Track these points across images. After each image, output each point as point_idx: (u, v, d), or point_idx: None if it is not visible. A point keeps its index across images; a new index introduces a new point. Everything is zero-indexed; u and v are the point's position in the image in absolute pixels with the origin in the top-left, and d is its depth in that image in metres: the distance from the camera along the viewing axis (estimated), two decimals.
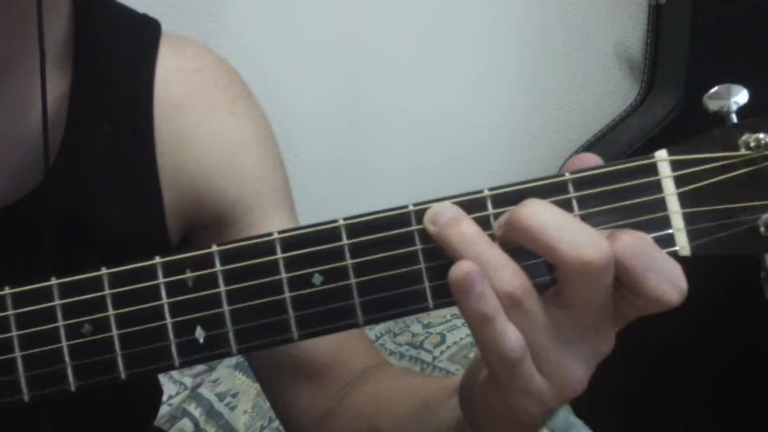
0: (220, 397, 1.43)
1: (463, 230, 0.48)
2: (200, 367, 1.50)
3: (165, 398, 1.39)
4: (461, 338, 1.48)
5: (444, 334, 1.52)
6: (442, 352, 1.48)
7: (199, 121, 0.76)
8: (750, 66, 1.56)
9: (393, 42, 1.74)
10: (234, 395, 1.42)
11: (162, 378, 1.41)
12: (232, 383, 1.45)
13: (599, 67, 1.83)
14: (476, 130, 1.81)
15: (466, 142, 1.81)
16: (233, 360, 1.48)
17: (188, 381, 1.47)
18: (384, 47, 1.74)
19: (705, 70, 1.59)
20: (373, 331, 1.56)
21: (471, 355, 1.40)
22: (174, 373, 1.47)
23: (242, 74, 0.82)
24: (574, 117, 1.84)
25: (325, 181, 1.75)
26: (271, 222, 0.77)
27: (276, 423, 1.33)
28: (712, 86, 0.52)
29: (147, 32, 0.77)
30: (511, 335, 0.47)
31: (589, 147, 1.78)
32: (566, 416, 1.31)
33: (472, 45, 1.78)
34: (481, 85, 1.80)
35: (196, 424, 1.37)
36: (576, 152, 1.77)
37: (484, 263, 0.47)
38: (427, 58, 1.76)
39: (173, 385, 1.45)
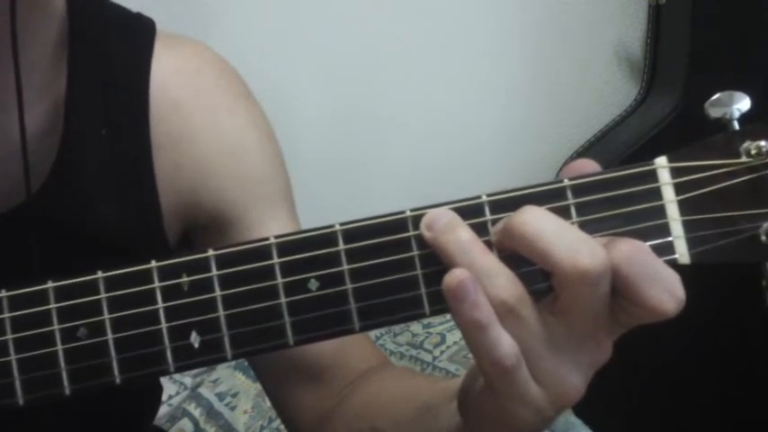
0: (220, 397, 1.43)
1: (458, 237, 0.48)
2: (200, 368, 1.49)
3: (165, 398, 1.39)
4: (461, 338, 1.47)
5: (444, 334, 1.53)
6: (442, 352, 1.48)
7: (199, 122, 0.75)
8: (750, 66, 1.55)
9: (393, 42, 1.74)
10: (234, 395, 1.43)
11: (162, 378, 1.41)
12: (232, 383, 1.45)
13: (599, 68, 1.83)
14: (476, 130, 1.81)
15: (466, 142, 1.80)
16: (233, 361, 1.47)
17: (188, 381, 1.47)
18: (384, 47, 1.73)
19: (705, 70, 1.58)
20: (373, 331, 1.55)
21: (471, 356, 1.40)
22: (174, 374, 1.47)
23: (242, 74, 0.82)
24: (574, 117, 1.83)
25: (326, 181, 1.75)
26: (270, 223, 0.77)
27: (276, 423, 1.33)
28: (712, 86, 0.52)
29: (141, 32, 0.76)
30: (505, 343, 0.47)
31: (589, 147, 1.77)
32: (566, 416, 1.30)
33: (472, 45, 1.78)
34: (481, 85, 1.80)
35: (196, 424, 1.37)
36: (576, 152, 1.77)
37: (478, 270, 0.47)
38: (427, 59, 1.76)
39: (173, 385, 1.45)
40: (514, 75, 1.81)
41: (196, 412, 1.39)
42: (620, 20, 1.81)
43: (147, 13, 0.79)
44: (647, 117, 1.71)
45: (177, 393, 1.45)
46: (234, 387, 1.44)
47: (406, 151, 1.79)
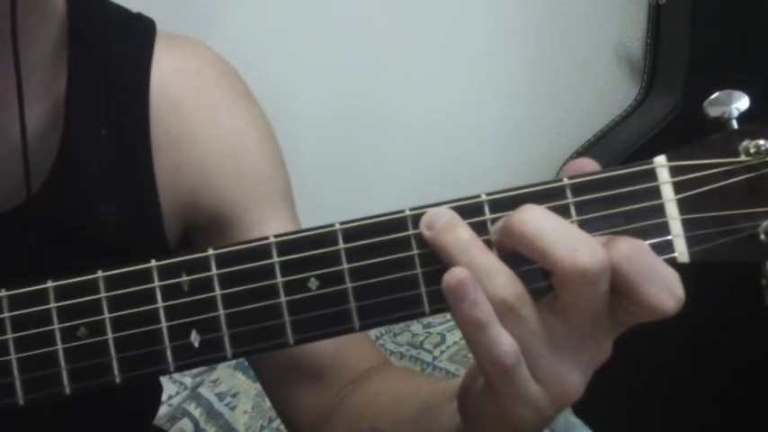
0: (220, 397, 1.43)
1: (458, 236, 0.48)
2: (200, 367, 1.49)
3: (165, 398, 1.39)
4: (461, 338, 1.47)
5: (444, 334, 1.52)
6: (442, 352, 1.48)
7: (199, 123, 0.75)
8: (749, 66, 1.55)
9: (393, 42, 1.74)
10: (234, 395, 1.42)
11: (162, 378, 1.41)
12: (232, 383, 1.45)
13: (599, 68, 1.82)
14: (476, 130, 1.81)
15: (466, 142, 1.80)
16: (233, 360, 1.47)
17: (188, 381, 1.47)
18: (384, 47, 1.73)
19: (705, 70, 1.58)
20: (373, 331, 1.56)
21: (471, 355, 1.40)
22: (174, 373, 1.47)
23: (242, 74, 0.82)
24: (574, 117, 1.83)
25: (326, 181, 1.75)
26: (270, 223, 0.77)
27: (276, 423, 1.33)
28: (712, 86, 0.52)
29: (141, 32, 0.76)
30: (504, 342, 0.47)
31: (589, 147, 1.77)
32: (566, 416, 1.30)
33: (472, 45, 1.78)
34: (481, 85, 1.80)
35: (196, 424, 1.37)
36: (576, 152, 1.77)
37: (477, 269, 0.47)
38: (427, 59, 1.76)
39: (173, 385, 1.45)
40: (514, 75, 1.81)
41: (196, 412, 1.39)
42: (620, 20, 1.81)
43: (147, 13, 0.79)
44: (647, 117, 1.71)
45: (177, 393, 1.44)
46: (234, 387, 1.44)
47: (407, 151, 1.79)
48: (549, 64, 1.81)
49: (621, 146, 1.68)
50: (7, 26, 0.65)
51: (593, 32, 1.81)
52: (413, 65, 1.75)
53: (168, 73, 0.75)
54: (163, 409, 1.37)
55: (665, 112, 1.64)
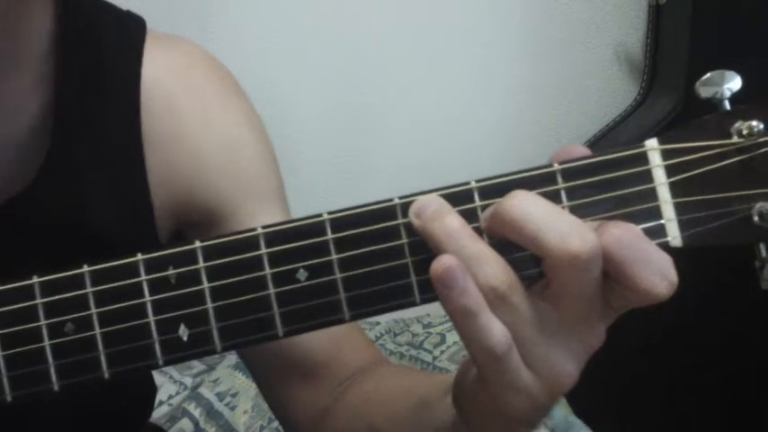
0: (220, 397, 1.43)
1: (447, 224, 0.47)
2: (200, 367, 1.50)
3: (165, 398, 1.40)
4: None
5: (444, 334, 1.52)
6: (442, 352, 1.48)
7: (192, 120, 0.75)
8: (749, 66, 1.55)
9: (394, 42, 1.74)
10: (234, 395, 1.43)
11: (162, 378, 1.41)
12: (232, 383, 1.45)
13: (599, 68, 1.82)
14: (475, 129, 1.81)
15: (465, 142, 1.80)
16: (233, 360, 1.48)
17: (188, 380, 1.47)
18: (384, 46, 1.74)
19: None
20: (373, 331, 1.56)
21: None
22: (174, 373, 1.47)
23: (241, 74, 0.81)
24: (574, 117, 1.83)
25: (323, 180, 1.75)
26: (263, 219, 0.76)
27: (276, 423, 1.32)
28: None
29: (132, 30, 0.76)
30: (495, 330, 0.46)
31: (589, 147, 1.76)
32: (566, 416, 1.30)
33: (472, 45, 1.78)
34: (481, 85, 1.80)
35: (196, 424, 1.37)
36: None
37: (467, 257, 0.46)
38: (427, 59, 1.76)
39: (173, 385, 1.45)
40: (514, 74, 1.81)
41: (196, 412, 1.39)
42: (620, 20, 1.81)
43: (145, 12, 0.78)
44: (646, 117, 1.71)
45: (177, 393, 1.45)
46: (234, 387, 1.44)
47: (405, 151, 1.79)
48: (548, 64, 1.81)
49: (621, 146, 1.68)
50: (7, 25, 0.65)
51: (592, 32, 1.81)
52: (412, 64, 1.75)
53: (159, 70, 0.75)
54: (163, 409, 1.37)
55: (665, 112, 1.64)
